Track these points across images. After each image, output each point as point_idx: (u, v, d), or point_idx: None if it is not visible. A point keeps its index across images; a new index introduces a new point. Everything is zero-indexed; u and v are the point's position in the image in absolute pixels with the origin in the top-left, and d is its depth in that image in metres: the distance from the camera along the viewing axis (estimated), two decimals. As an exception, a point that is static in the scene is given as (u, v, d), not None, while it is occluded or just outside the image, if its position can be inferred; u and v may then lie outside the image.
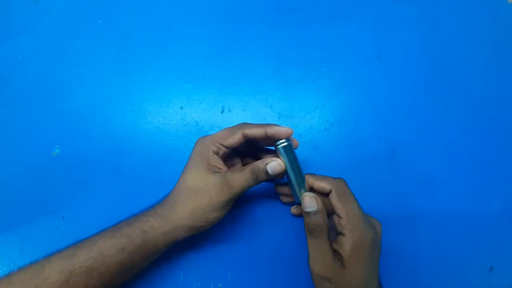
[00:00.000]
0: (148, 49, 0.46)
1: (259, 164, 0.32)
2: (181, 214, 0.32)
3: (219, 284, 0.39)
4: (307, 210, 0.32)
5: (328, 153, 0.43)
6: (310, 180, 0.34)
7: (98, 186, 0.42)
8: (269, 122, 0.44)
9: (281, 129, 0.32)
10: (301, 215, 0.40)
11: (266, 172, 0.32)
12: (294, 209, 0.40)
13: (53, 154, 0.43)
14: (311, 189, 0.35)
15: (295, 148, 0.34)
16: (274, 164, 0.32)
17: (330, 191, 0.33)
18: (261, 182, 0.33)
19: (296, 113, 0.45)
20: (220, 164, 0.34)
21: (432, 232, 0.41)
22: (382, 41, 0.47)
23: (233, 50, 0.46)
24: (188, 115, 0.44)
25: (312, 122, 0.44)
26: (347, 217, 0.31)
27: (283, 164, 0.33)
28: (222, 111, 0.45)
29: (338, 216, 0.32)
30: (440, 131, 0.44)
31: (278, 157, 0.33)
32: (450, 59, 0.47)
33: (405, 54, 0.47)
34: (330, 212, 0.34)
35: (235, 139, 0.33)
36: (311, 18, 0.48)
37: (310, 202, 0.32)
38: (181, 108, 0.45)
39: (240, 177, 0.32)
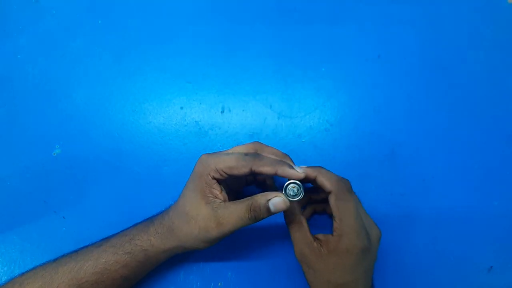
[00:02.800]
0: (148, 49, 0.46)
1: (259, 199, 0.29)
2: (177, 237, 0.32)
3: (219, 284, 0.39)
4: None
5: (328, 153, 0.43)
6: (314, 173, 0.31)
7: (98, 186, 0.42)
8: (270, 122, 0.44)
9: (293, 173, 0.30)
10: None
11: (268, 209, 0.29)
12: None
13: (53, 154, 0.43)
14: (311, 179, 0.32)
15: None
16: (277, 201, 0.29)
17: (330, 192, 0.31)
18: (260, 221, 0.30)
19: (296, 113, 0.45)
20: (217, 190, 0.31)
21: (432, 232, 0.41)
22: (382, 41, 0.47)
23: (233, 50, 0.46)
24: (188, 115, 0.44)
25: (312, 122, 0.44)
26: (340, 223, 0.30)
27: (288, 202, 0.29)
28: (222, 111, 0.45)
29: (334, 217, 0.32)
30: (440, 131, 0.44)
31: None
32: (450, 59, 0.47)
33: (405, 54, 0.47)
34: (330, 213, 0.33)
35: (241, 171, 0.30)
36: (311, 18, 0.48)
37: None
38: (181, 108, 0.45)
39: (234, 213, 0.29)
